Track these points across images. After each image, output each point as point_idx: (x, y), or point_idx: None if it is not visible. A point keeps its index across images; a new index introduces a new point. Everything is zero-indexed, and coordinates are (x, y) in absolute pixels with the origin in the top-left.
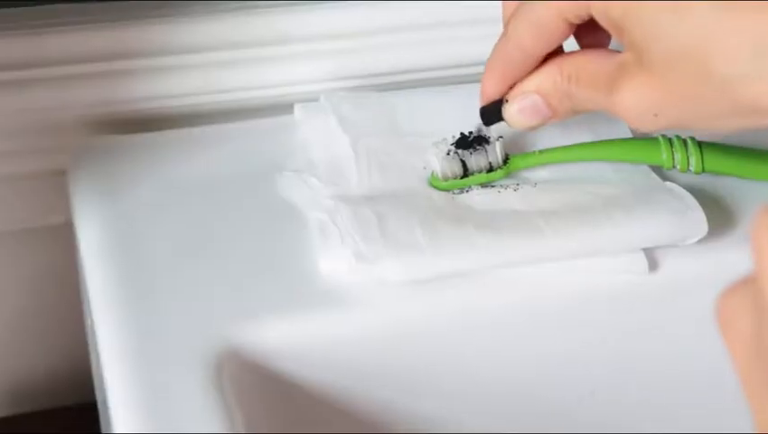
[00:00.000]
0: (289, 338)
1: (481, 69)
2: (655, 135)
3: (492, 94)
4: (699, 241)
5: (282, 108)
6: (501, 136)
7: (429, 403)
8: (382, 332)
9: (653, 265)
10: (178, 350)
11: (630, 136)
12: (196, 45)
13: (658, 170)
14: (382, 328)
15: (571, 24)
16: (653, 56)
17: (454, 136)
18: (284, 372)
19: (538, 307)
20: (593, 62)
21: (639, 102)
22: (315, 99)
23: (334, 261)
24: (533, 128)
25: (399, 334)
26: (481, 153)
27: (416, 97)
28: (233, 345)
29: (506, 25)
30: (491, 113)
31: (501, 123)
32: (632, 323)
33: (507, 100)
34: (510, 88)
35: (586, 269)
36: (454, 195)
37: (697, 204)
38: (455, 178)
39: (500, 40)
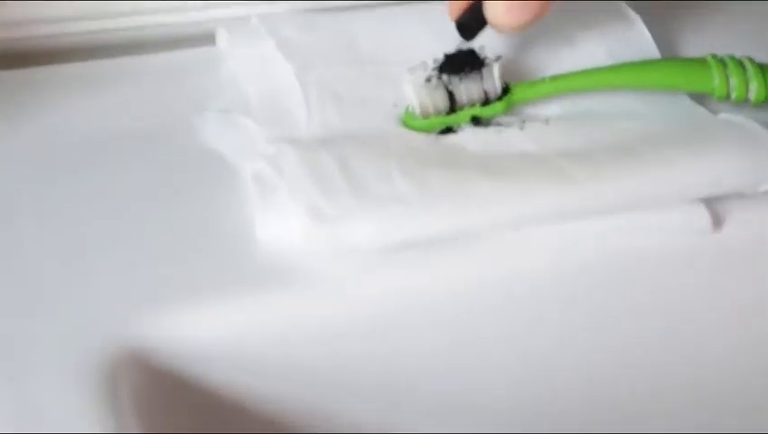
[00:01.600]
0: (213, 336)
1: None
2: (702, 55)
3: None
4: None
5: (201, 36)
6: (500, 56)
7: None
8: (349, 324)
9: (717, 220)
10: (58, 356)
11: (657, 55)
12: None
13: (700, 101)
14: (349, 318)
15: None
16: None
17: (435, 60)
18: (201, 379)
19: (567, 277)
20: None
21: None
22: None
23: (278, 224)
24: (529, 24)
25: (374, 325)
26: (473, 79)
27: (378, 17)
28: (133, 347)
29: None
30: (470, 20)
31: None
32: (689, 294)
33: None
34: None
35: (630, 226)
36: (438, 137)
37: None
38: (439, 114)
39: None
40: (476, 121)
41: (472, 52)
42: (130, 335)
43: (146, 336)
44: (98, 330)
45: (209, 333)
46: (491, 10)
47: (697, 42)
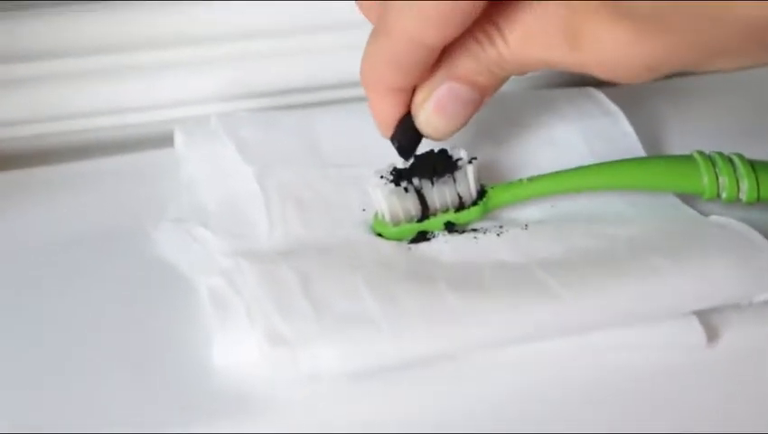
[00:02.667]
0: None
1: None
2: (688, 152)
3: (393, 114)
4: None
5: (156, 138)
6: (474, 158)
7: None
8: None
9: (712, 333)
10: None
11: (642, 154)
12: (29, 52)
13: (688, 200)
14: None
15: None
16: (639, 4)
17: (404, 162)
18: None
19: (550, 400)
20: (528, 13)
21: (626, 56)
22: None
23: (236, 348)
24: (461, 126)
25: None
26: (446, 182)
27: (341, 115)
28: None
29: (380, 23)
30: (406, 138)
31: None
32: (683, 413)
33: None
34: (412, 96)
35: (619, 344)
36: (411, 246)
37: None
38: (410, 221)
39: (375, 42)
40: (450, 227)
41: (444, 153)
42: None
43: None
44: None
45: None
46: (420, 118)
47: (679, 124)
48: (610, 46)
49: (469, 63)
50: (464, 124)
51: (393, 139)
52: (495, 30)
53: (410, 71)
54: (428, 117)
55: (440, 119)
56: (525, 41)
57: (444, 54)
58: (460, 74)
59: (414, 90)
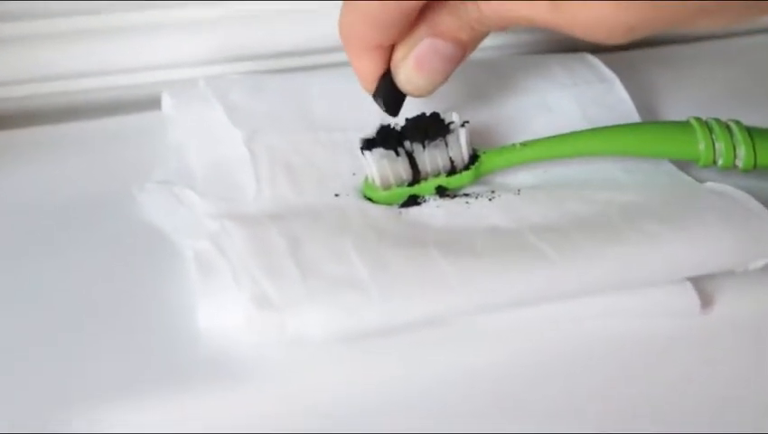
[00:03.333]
0: None
1: None
2: (684, 118)
3: (374, 72)
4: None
5: (144, 100)
6: (466, 121)
7: None
8: (304, 422)
9: (707, 300)
10: None
11: (638, 119)
12: (14, 12)
13: (684, 167)
14: (304, 417)
15: None
16: None
17: (396, 124)
18: None
19: (542, 366)
20: None
21: (607, 17)
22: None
23: (221, 312)
24: (442, 82)
25: (332, 425)
26: (438, 146)
27: (331, 78)
28: None
29: None
30: (389, 95)
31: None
32: (676, 379)
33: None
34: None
35: (612, 310)
36: (401, 210)
37: (765, 210)
38: (401, 185)
39: (352, 1)
40: (442, 192)
41: (436, 116)
42: None
43: None
44: (26, 427)
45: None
46: (401, 75)
47: (675, 91)
48: (590, 10)
49: (449, 20)
50: (445, 80)
51: (376, 97)
52: None
53: (389, 29)
54: (408, 74)
55: (420, 76)
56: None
57: (423, 11)
58: (440, 31)
59: (393, 47)
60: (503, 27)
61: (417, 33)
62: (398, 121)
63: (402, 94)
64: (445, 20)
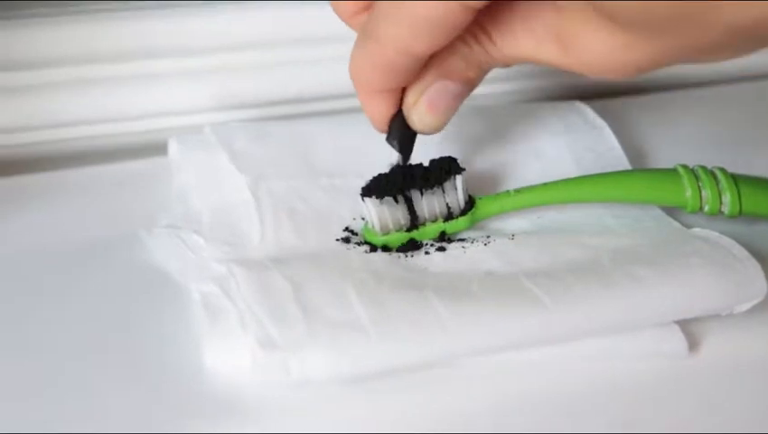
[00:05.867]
0: None
1: None
2: (671, 166)
3: (385, 113)
4: (753, 309)
5: (150, 147)
6: (463, 169)
7: None
8: None
9: (694, 343)
10: None
11: (628, 167)
12: (24, 61)
13: (672, 212)
14: None
15: (474, 10)
16: (625, 12)
17: (394, 164)
18: None
19: (534, 407)
20: (515, 16)
21: (616, 57)
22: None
23: (228, 353)
24: (451, 117)
25: None
26: (435, 193)
27: (334, 125)
28: None
29: (369, 27)
30: (401, 136)
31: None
32: (665, 422)
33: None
34: (402, 96)
35: (601, 353)
36: (400, 255)
37: (750, 256)
38: (400, 230)
39: (363, 47)
40: (440, 237)
41: (434, 165)
42: None
43: None
44: None
45: None
46: (414, 116)
47: (663, 138)
48: (598, 49)
49: (458, 63)
50: (454, 114)
51: (389, 140)
52: (483, 34)
53: (399, 76)
54: (422, 116)
55: (433, 117)
56: (512, 42)
57: (432, 55)
58: (450, 72)
59: (404, 89)
60: (510, 65)
61: (428, 77)
62: (395, 162)
63: (414, 133)
64: (454, 62)
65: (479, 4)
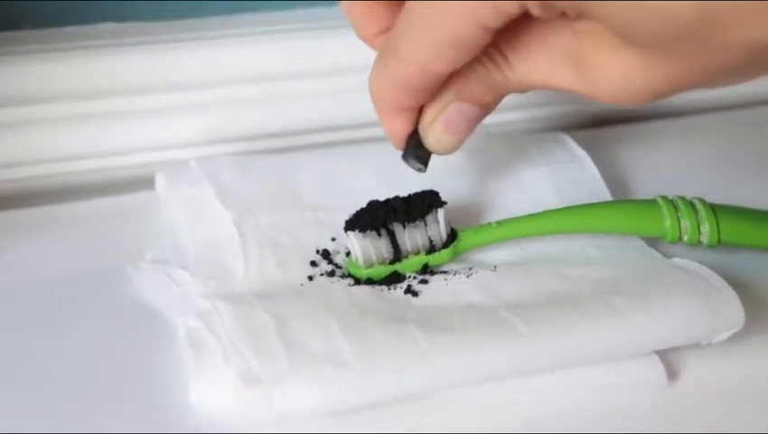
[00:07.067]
0: None
1: None
2: (651, 197)
3: (403, 131)
4: (732, 338)
5: (137, 182)
6: (444, 202)
7: None
8: None
9: (673, 373)
10: None
11: (609, 197)
12: (14, 97)
13: (653, 242)
14: None
15: (492, 29)
16: (642, 33)
17: (376, 206)
18: None
19: None
20: (533, 39)
21: (633, 83)
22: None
23: (212, 388)
24: (466, 139)
25: None
26: (417, 227)
27: (319, 159)
28: None
29: (391, 46)
30: (418, 156)
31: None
32: None
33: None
34: (420, 113)
35: (581, 383)
36: (383, 288)
37: (727, 286)
38: (383, 263)
39: (385, 66)
40: (423, 269)
41: (415, 198)
42: None
43: None
44: None
45: None
46: (430, 137)
47: (643, 167)
48: (616, 75)
49: (476, 85)
50: (468, 136)
51: (405, 157)
52: (500, 56)
53: (419, 94)
54: (438, 136)
55: (449, 137)
56: (529, 66)
57: (451, 75)
58: (467, 95)
59: (421, 109)
60: (525, 91)
61: (445, 97)
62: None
63: (429, 152)
64: (472, 85)
65: (500, 23)
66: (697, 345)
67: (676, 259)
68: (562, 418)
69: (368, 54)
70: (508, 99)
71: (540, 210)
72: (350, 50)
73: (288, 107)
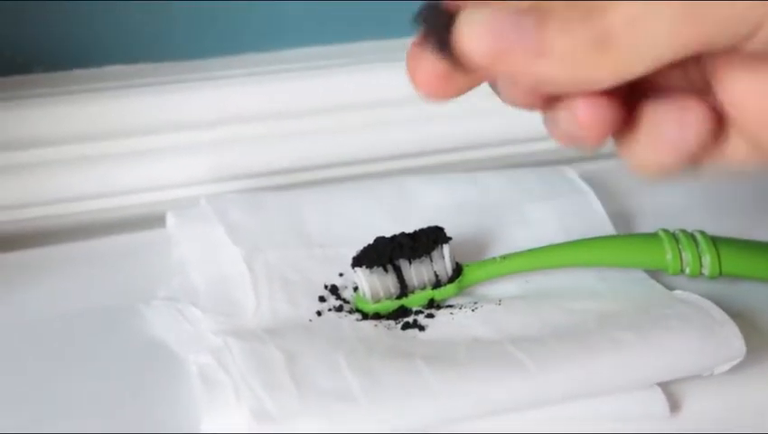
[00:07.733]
0: None
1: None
2: (654, 230)
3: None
4: (733, 368)
5: (148, 220)
6: (449, 238)
7: None
8: None
9: (675, 404)
10: None
11: (612, 231)
12: (27, 139)
13: (656, 275)
14: None
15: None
16: None
17: (383, 242)
18: None
19: None
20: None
21: None
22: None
23: (224, 424)
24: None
25: None
26: (423, 262)
27: (325, 195)
28: None
29: None
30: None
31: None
32: None
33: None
34: None
35: (585, 415)
36: (391, 323)
37: (728, 318)
38: (390, 298)
39: None
40: (429, 304)
41: (421, 234)
42: None
43: None
44: None
45: None
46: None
47: (646, 201)
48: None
49: None
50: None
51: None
52: None
53: None
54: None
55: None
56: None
57: None
58: None
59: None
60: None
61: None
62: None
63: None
64: None
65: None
66: (698, 376)
67: (678, 292)
68: None
69: (371, 92)
70: (512, 134)
71: (544, 244)
72: (354, 87)
73: (294, 144)
